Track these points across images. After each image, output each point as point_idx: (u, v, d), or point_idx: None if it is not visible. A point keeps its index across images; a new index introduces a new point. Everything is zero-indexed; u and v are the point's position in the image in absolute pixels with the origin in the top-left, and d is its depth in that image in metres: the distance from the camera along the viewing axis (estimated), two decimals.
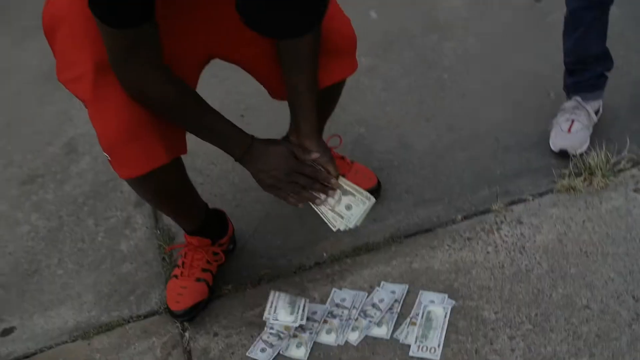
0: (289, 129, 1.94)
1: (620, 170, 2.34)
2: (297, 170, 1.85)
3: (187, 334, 2.12)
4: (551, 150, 2.46)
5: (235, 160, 1.84)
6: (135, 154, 1.76)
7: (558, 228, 2.21)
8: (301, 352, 2.01)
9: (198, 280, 2.16)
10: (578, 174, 2.34)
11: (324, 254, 2.28)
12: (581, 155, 2.38)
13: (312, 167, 1.87)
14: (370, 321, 2.05)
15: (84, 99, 1.72)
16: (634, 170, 2.34)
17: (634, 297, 1.99)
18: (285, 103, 1.94)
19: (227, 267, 2.27)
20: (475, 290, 2.08)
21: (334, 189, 1.86)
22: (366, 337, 2.02)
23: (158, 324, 2.17)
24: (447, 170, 2.51)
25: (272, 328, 2.06)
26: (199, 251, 2.16)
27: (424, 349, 1.96)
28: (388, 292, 2.12)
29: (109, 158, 1.77)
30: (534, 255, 2.15)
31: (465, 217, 2.31)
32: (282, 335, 2.04)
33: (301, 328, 2.06)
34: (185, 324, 2.14)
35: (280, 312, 2.06)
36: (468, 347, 1.95)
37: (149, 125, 1.74)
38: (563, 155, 2.41)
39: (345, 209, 1.87)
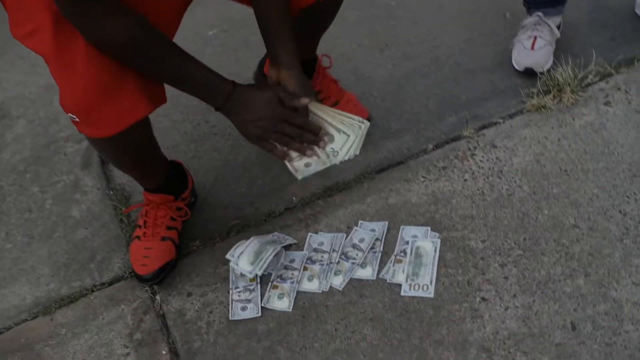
0: (267, 61, 1.76)
1: (588, 85, 2.28)
2: (285, 118, 1.68)
3: (158, 297, 1.98)
4: (515, 69, 2.37)
5: (216, 109, 1.66)
6: (109, 113, 1.57)
7: (534, 149, 2.13)
8: (284, 303, 1.89)
9: (163, 239, 2.01)
10: (546, 92, 2.27)
11: (293, 198, 2.16)
12: (548, 72, 2.29)
13: (301, 116, 1.71)
14: (353, 263, 1.94)
15: (43, 54, 1.50)
16: (602, 84, 2.28)
17: (621, 212, 1.93)
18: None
19: (192, 221, 2.12)
20: (458, 221, 1.99)
21: (324, 140, 1.72)
22: (351, 280, 1.92)
23: (125, 290, 2.02)
24: (410, 99, 2.40)
25: (237, 287, 1.95)
26: (161, 208, 2.01)
27: (416, 287, 1.87)
28: (367, 231, 2.01)
29: (76, 119, 1.57)
30: (513, 179, 2.06)
31: (436, 146, 2.21)
32: (250, 288, 1.91)
33: (280, 278, 1.94)
34: (155, 286, 1.99)
35: (243, 258, 1.93)
36: (459, 280, 1.86)
37: (123, 78, 1.54)
38: (528, 73, 2.33)
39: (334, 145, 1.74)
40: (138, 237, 2.00)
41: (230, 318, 1.89)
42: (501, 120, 2.23)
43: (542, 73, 2.27)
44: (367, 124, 1.73)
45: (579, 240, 1.89)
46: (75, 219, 2.24)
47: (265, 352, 1.81)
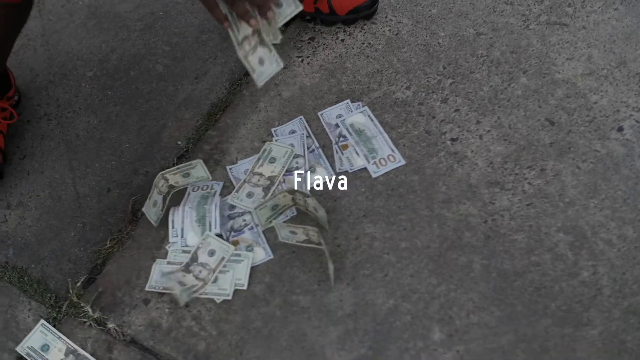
0: None
1: None
2: None
3: (111, 325, 1.53)
4: None
5: None
6: None
7: None
8: (260, 253, 1.59)
9: None
10: None
11: (179, 143, 1.76)
12: None
13: None
14: (300, 174, 1.65)
15: None
16: None
17: (507, 3, 1.88)
18: None
19: (83, 223, 1.65)
20: (367, 81, 1.79)
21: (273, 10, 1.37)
22: (312, 189, 1.63)
23: (70, 330, 1.51)
24: None
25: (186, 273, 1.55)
26: None
27: (382, 162, 1.65)
28: (288, 135, 1.72)
29: None
30: (387, 18, 1.90)
31: (287, 23, 1.93)
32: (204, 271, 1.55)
33: (234, 231, 1.60)
34: (99, 315, 1.52)
35: (188, 235, 1.57)
36: (416, 134, 1.69)
37: None
38: None
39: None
40: None
41: (217, 300, 1.51)
42: None
43: None
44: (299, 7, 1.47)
45: (492, 45, 1.80)
46: None
47: (283, 310, 1.49)
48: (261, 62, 1.44)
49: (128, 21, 2.00)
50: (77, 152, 1.78)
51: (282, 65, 1.50)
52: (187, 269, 1.53)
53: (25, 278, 1.62)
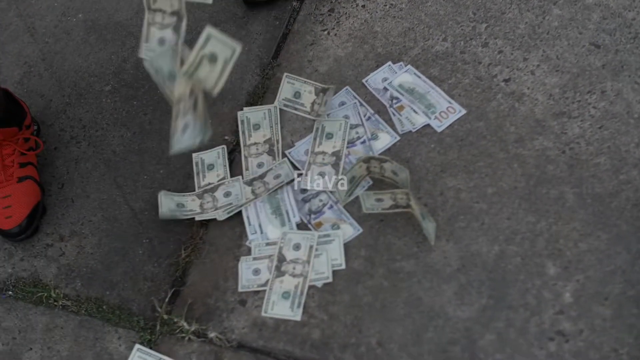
0: None
1: None
2: None
3: (212, 335, 1.46)
4: None
5: None
6: None
7: None
8: (348, 229, 1.53)
9: (21, 180, 1.62)
10: None
11: (226, 137, 1.70)
12: None
13: None
14: (363, 142, 1.61)
15: None
16: None
17: None
18: None
19: (152, 239, 1.57)
20: (401, 41, 1.76)
21: None
22: (380, 154, 1.59)
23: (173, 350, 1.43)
24: None
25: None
26: (5, 145, 1.61)
27: (443, 115, 1.63)
28: (339, 107, 1.68)
29: None
30: None
31: None
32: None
33: (313, 213, 1.56)
34: (196, 326, 1.44)
35: (268, 228, 1.51)
36: (468, 82, 1.67)
37: None
38: None
39: None
40: None
41: (318, 285, 1.46)
42: None
43: None
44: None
45: None
46: None
47: (389, 279, 1.45)
48: (184, 129, 1.36)
49: (132, 28, 1.91)
50: (118, 168, 1.69)
51: (203, 140, 1.40)
52: (279, 271, 1.46)
53: (104, 307, 1.52)
